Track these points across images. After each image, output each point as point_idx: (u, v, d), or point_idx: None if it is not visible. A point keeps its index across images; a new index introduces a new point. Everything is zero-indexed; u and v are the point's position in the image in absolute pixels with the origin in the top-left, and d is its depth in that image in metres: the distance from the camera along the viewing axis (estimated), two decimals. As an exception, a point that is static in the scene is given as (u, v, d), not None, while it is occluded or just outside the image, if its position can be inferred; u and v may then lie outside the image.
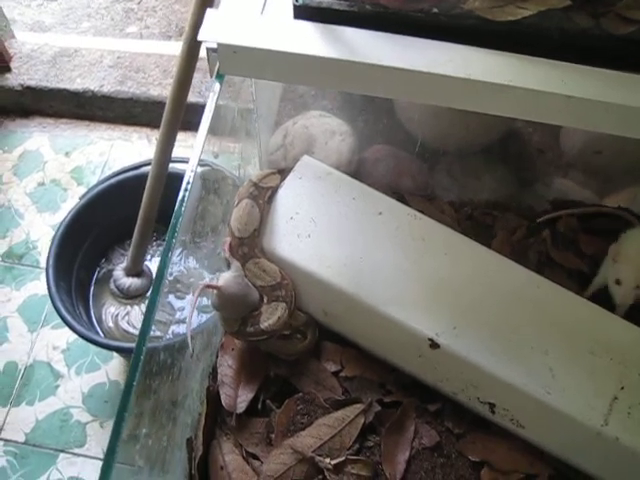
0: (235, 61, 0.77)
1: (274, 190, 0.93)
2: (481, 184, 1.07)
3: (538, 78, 0.74)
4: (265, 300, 0.89)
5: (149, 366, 0.67)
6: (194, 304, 0.79)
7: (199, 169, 0.77)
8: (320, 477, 0.83)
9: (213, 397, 0.90)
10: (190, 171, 0.71)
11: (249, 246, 0.89)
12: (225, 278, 0.85)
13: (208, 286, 0.82)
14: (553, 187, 1.08)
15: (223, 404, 0.88)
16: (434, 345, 0.84)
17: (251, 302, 0.88)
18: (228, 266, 0.88)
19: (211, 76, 0.80)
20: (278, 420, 0.87)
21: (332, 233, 0.90)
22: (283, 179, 0.94)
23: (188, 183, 0.72)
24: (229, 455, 0.86)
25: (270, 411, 0.89)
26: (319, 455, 0.83)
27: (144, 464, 0.72)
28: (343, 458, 0.83)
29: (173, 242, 0.68)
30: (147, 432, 0.69)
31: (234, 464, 0.85)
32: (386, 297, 0.86)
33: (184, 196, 0.71)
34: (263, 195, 0.91)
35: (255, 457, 0.86)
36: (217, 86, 0.81)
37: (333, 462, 0.82)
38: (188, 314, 0.79)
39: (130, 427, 0.63)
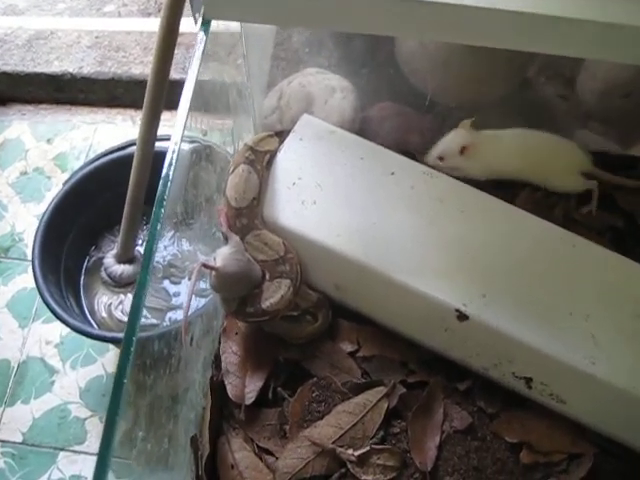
0: (222, 2, 0.64)
1: (273, 154, 0.83)
2: (497, 139, 0.95)
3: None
4: (267, 277, 0.79)
5: (142, 359, 0.56)
6: (191, 289, 0.68)
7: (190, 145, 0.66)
8: (342, 471, 0.74)
9: (218, 388, 0.79)
10: (180, 126, 0.59)
11: (248, 217, 0.77)
12: (223, 255, 0.73)
13: (205, 266, 0.71)
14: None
15: (229, 395, 0.78)
16: (462, 317, 0.74)
17: (253, 280, 0.77)
18: (225, 240, 0.76)
19: (195, 23, 0.68)
20: (292, 410, 0.77)
21: (340, 198, 0.80)
22: (282, 141, 0.84)
23: (176, 144, 0.60)
24: (240, 452, 0.76)
25: (282, 400, 0.79)
26: (340, 446, 0.74)
27: (143, 471, 0.60)
28: (367, 448, 0.74)
29: (162, 212, 0.56)
30: (144, 435, 0.58)
31: (246, 461, 0.75)
32: (405, 266, 0.76)
33: (172, 158, 0.59)
34: (261, 160, 0.80)
35: (269, 452, 0.76)
36: (202, 36, 0.69)
37: (356, 453, 0.73)
38: (185, 303, 0.67)
39: (123, 431, 0.52)
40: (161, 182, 0.59)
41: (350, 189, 0.80)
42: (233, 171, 0.79)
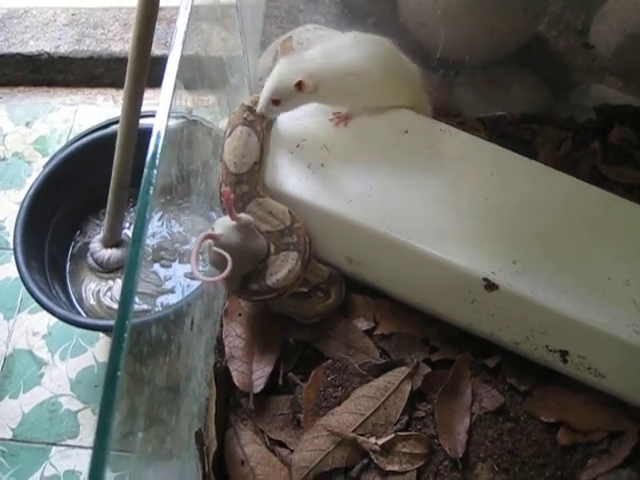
0: None
1: (273, 114, 0.72)
2: (510, 96, 0.87)
3: None
4: (273, 249, 0.69)
5: (138, 347, 0.46)
6: (196, 252, 0.58)
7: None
8: (365, 461, 0.65)
9: (222, 376, 0.70)
10: (171, 79, 0.49)
11: (249, 184, 0.68)
12: (223, 225, 0.64)
13: (208, 236, 0.61)
14: (591, 94, 0.89)
15: (235, 383, 0.70)
16: (491, 286, 0.65)
17: (257, 253, 0.68)
18: (224, 211, 0.66)
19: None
20: (305, 396, 0.69)
21: (350, 160, 0.71)
22: (283, 100, 0.73)
23: (168, 95, 0.50)
24: (249, 446, 0.67)
25: (294, 386, 0.71)
26: (361, 435, 0.65)
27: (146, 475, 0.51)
28: (391, 435, 0.65)
29: (154, 174, 0.46)
30: (144, 437, 0.48)
31: (257, 456, 0.66)
32: (425, 232, 0.67)
33: (164, 112, 0.49)
34: (260, 120, 0.70)
35: (282, 445, 0.67)
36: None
37: (380, 442, 0.65)
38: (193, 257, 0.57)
39: (120, 435, 0.43)
40: (152, 142, 0.49)
41: (361, 150, 0.71)
42: (230, 133, 0.69)
